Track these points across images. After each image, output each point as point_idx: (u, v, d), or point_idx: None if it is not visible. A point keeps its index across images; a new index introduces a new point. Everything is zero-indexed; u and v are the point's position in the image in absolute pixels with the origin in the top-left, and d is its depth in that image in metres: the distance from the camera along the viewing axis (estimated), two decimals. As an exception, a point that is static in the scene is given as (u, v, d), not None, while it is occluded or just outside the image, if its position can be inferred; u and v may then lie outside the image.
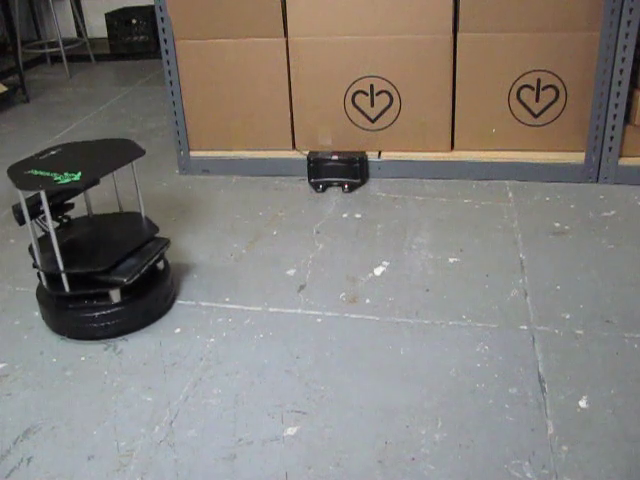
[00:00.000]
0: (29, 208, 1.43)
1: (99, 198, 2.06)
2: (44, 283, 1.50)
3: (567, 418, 1.20)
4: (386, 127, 2.22)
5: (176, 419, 1.26)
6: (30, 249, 1.51)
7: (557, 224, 1.87)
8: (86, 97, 3.56)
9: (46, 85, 3.87)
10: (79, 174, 1.41)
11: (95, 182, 1.50)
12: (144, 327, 1.53)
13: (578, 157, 2.12)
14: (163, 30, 2.19)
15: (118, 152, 1.56)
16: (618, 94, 2.00)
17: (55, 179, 1.39)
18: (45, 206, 1.39)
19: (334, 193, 2.17)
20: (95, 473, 1.15)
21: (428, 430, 1.20)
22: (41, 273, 1.49)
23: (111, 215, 1.70)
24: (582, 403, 1.23)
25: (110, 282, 1.46)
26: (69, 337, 1.50)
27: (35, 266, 1.49)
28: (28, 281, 1.61)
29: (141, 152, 1.53)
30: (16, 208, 1.46)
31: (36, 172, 1.42)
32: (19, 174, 1.42)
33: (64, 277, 1.45)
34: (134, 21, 4.32)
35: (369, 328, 1.49)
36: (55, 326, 1.53)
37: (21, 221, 1.46)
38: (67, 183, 1.38)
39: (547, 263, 1.69)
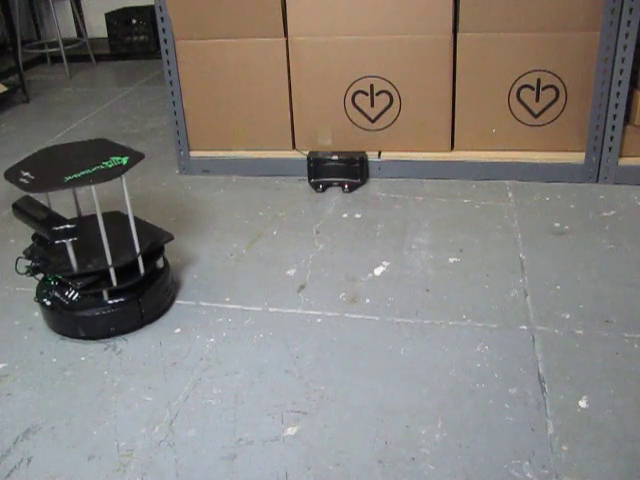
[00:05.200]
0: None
1: (99, 197, 2.06)
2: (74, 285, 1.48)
3: (567, 418, 1.20)
4: (386, 127, 2.22)
5: (176, 419, 1.26)
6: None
7: (557, 224, 1.87)
8: (86, 97, 3.56)
9: (46, 85, 3.87)
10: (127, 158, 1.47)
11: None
12: (144, 327, 1.54)
13: (578, 157, 2.12)
14: (163, 30, 2.19)
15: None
16: (618, 94, 2.00)
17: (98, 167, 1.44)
18: (95, 197, 1.43)
19: (334, 193, 2.17)
20: (95, 473, 1.15)
21: (428, 430, 1.20)
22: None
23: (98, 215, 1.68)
24: (582, 403, 1.23)
25: (161, 245, 1.56)
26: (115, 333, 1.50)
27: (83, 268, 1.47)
28: (28, 281, 1.61)
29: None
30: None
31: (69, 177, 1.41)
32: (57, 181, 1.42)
33: (112, 271, 1.46)
34: (134, 21, 4.32)
35: (369, 328, 1.49)
36: (97, 327, 1.51)
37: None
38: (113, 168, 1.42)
39: (547, 263, 1.69)
